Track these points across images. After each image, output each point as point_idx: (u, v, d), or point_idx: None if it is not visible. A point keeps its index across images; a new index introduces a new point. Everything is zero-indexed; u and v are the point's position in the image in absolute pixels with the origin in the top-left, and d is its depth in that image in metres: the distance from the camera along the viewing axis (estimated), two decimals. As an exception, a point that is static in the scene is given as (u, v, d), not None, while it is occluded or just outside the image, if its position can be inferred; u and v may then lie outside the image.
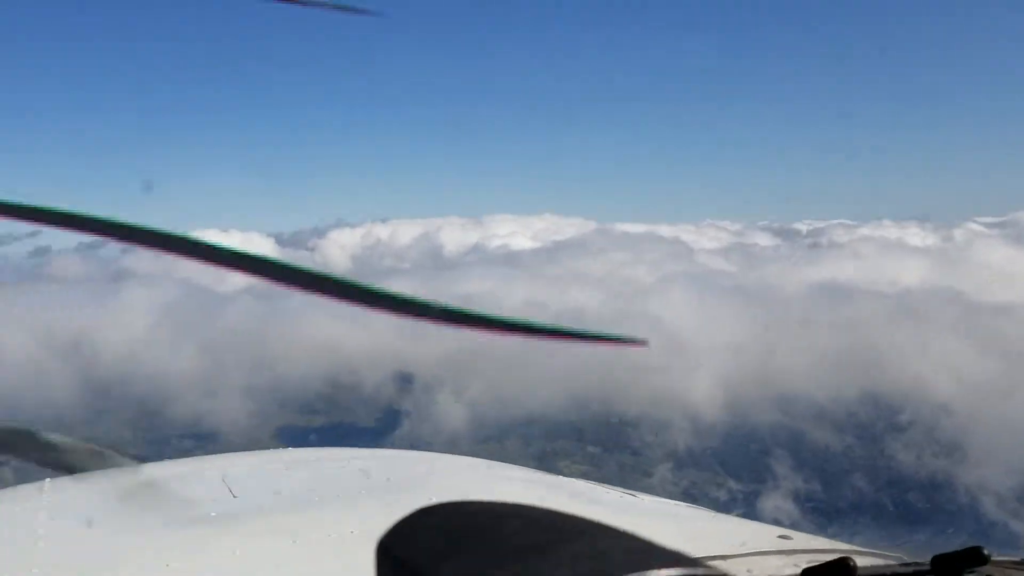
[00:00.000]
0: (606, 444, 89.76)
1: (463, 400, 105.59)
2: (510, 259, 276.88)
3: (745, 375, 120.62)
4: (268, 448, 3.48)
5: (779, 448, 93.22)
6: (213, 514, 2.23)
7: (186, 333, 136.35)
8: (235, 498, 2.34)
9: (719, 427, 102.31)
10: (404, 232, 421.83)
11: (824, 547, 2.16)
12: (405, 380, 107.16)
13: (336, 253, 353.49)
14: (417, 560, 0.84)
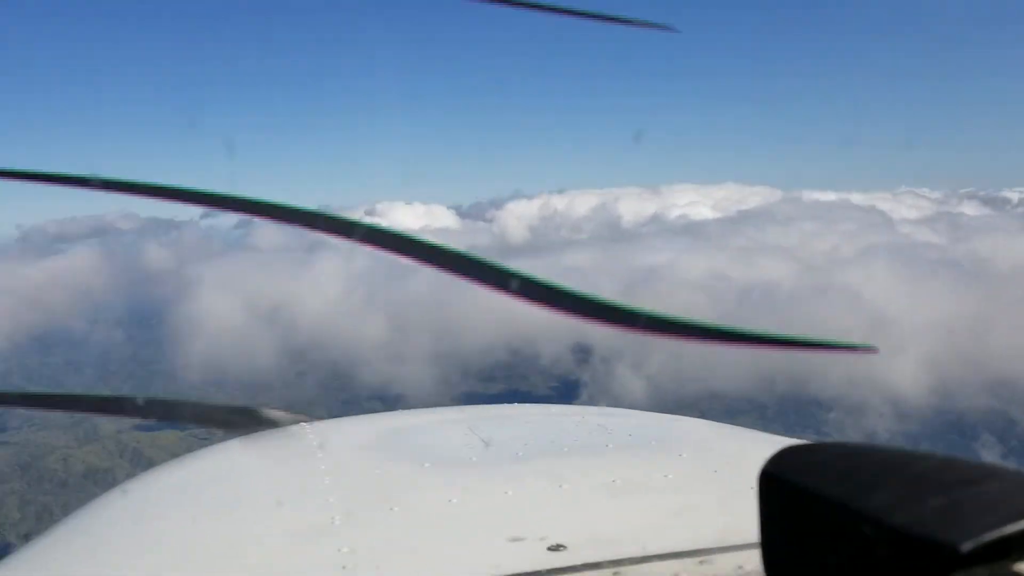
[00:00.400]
0: (791, 424, 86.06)
1: (642, 373, 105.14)
2: (691, 230, 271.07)
3: (954, 357, 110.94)
4: None
5: (988, 434, 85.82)
6: (474, 459, 2.38)
7: (375, 301, 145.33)
8: (488, 447, 2.47)
9: (922, 411, 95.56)
10: (581, 203, 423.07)
11: None
12: (583, 352, 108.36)
13: (513, 224, 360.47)
14: (831, 489, 0.84)
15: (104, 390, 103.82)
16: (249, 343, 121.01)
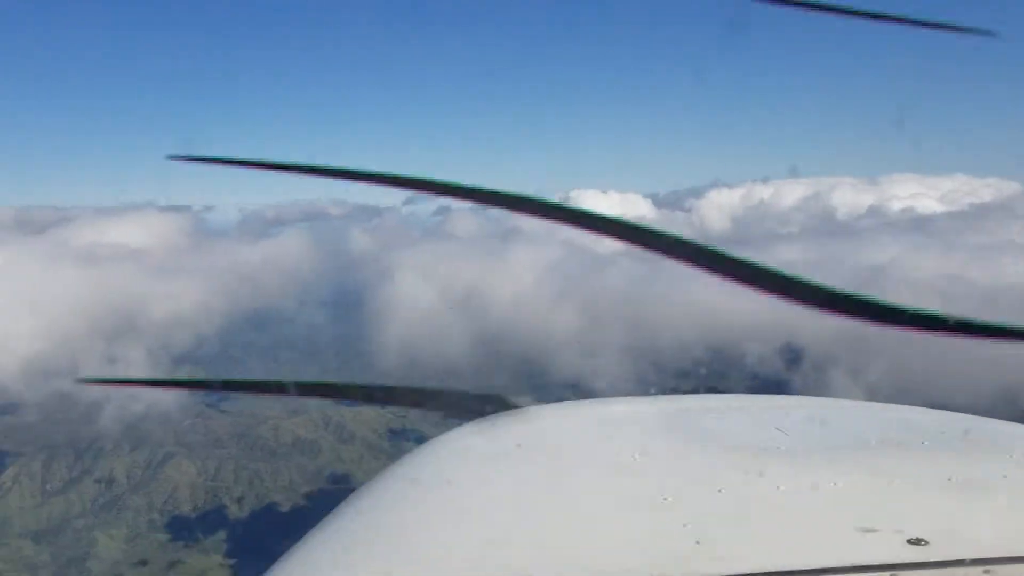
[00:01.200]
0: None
1: (860, 382, 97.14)
2: (917, 224, 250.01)
3: None
4: None
5: None
6: (781, 448, 2.32)
7: (569, 292, 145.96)
8: (787, 436, 2.40)
9: None
10: (788, 192, 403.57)
11: None
12: (794, 354, 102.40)
13: (714, 214, 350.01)
14: None
15: (311, 368, 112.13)
16: (443, 330, 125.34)
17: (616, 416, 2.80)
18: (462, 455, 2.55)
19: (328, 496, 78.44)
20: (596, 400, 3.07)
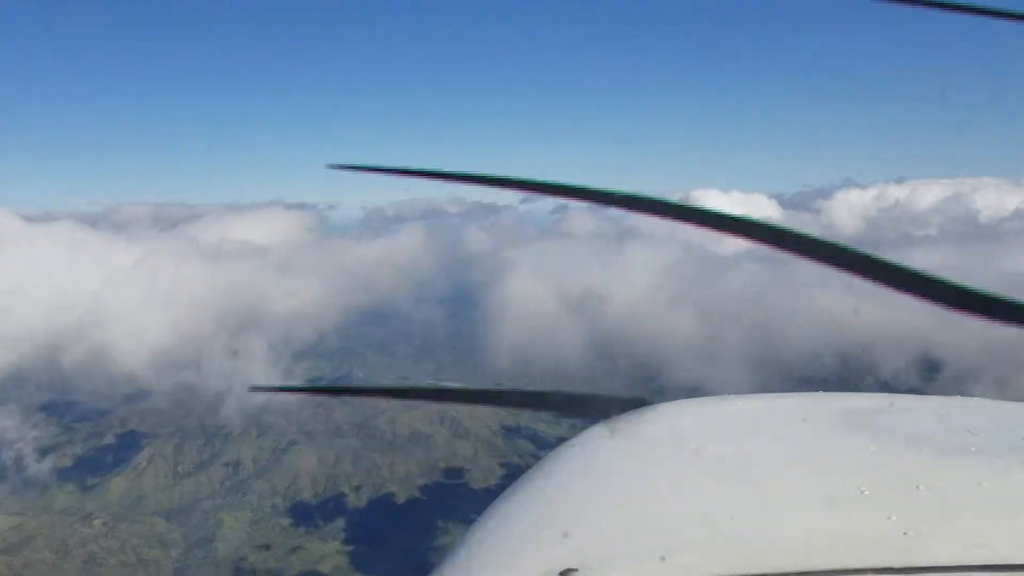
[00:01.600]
0: None
1: (1006, 396, 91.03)
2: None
3: None
4: None
5: None
6: (973, 449, 2.24)
7: (687, 295, 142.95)
8: (975, 435, 2.34)
9: None
10: (926, 193, 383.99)
11: None
12: (931, 366, 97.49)
13: (844, 216, 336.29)
14: None
15: (426, 364, 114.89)
16: (557, 331, 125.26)
17: (773, 411, 2.76)
18: (619, 450, 2.47)
19: (443, 489, 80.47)
20: (738, 396, 3.01)
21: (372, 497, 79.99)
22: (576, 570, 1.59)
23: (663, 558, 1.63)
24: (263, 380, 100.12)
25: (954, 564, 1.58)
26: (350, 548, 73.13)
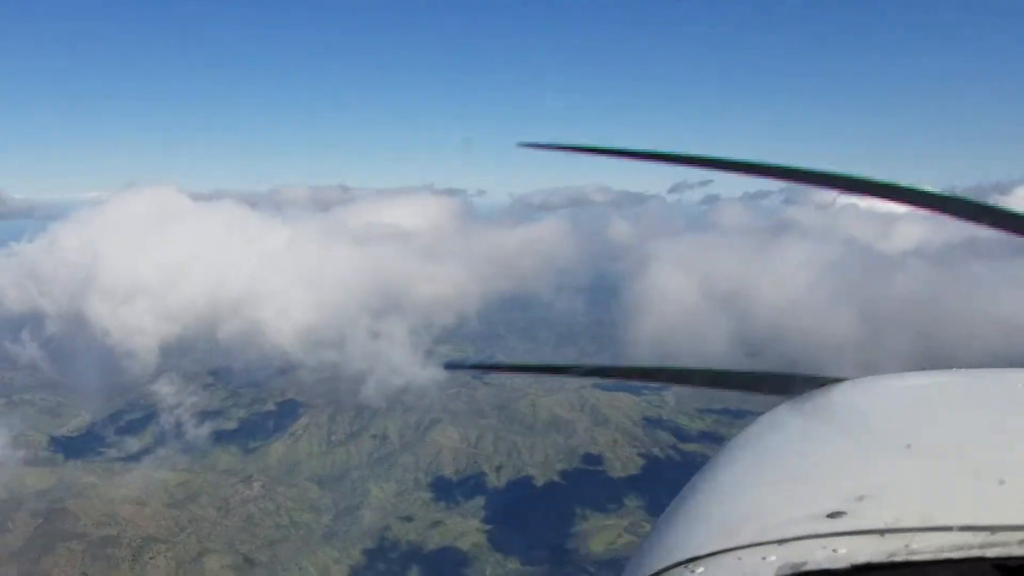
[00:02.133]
0: None
1: None
2: None
3: None
4: None
5: None
6: None
7: (846, 295, 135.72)
8: None
9: None
10: None
11: None
12: None
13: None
14: None
15: (568, 351, 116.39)
16: (700, 327, 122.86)
17: (975, 385, 2.60)
18: (819, 421, 2.43)
19: (582, 476, 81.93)
20: (933, 371, 2.86)
21: (512, 478, 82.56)
22: (846, 512, 1.63)
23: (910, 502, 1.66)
24: (404, 363, 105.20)
25: None
26: (489, 527, 75.82)
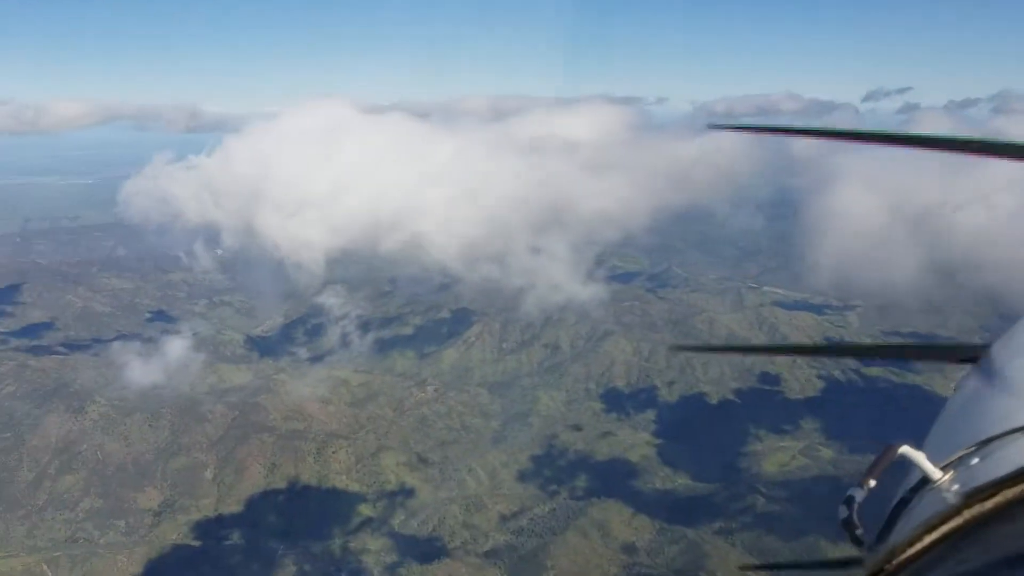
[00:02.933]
0: None
1: None
2: None
3: None
4: None
5: None
6: None
7: None
8: None
9: None
10: None
11: None
12: None
13: None
14: None
15: (747, 268, 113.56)
16: (888, 250, 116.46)
17: None
18: None
19: (757, 395, 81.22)
20: None
21: (684, 394, 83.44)
22: None
23: None
24: (567, 279, 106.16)
25: None
26: (659, 441, 77.24)
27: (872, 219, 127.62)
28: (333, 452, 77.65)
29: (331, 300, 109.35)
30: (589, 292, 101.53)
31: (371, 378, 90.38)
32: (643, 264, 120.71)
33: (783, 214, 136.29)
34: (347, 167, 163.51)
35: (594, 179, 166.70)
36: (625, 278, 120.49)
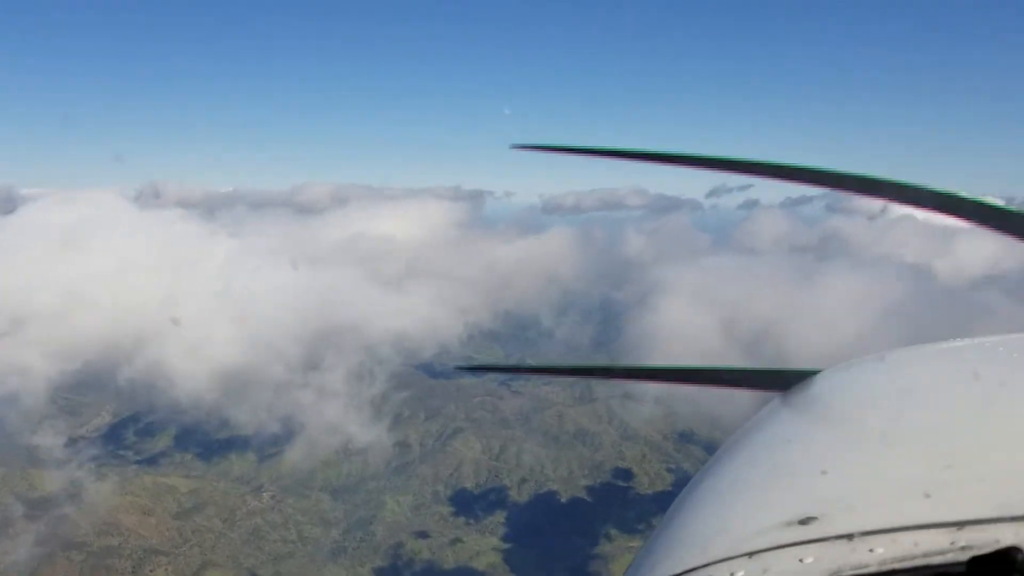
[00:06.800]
0: None
1: None
2: None
3: None
4: None
5: None
6: None
7: (907, 336, 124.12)
8: None
9: None
10: None
11: None
12: None
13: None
14: None
15: (595, 362, 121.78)
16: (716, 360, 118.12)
17: (955, 359, 2.91)
18: (822, 404, 2.68)
19: (609, 492, 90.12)
20: (922, 346, 3.06)
21: (535, 492, 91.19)
22: (816, 517, 1.78)
23: (915, 497, 1.77)
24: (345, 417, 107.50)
25: None
26: (507, 546, 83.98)
27: (703, 338, 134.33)
28: (151, 570, 79.88)
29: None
30: (374, 434, 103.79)
31: (202, 484, 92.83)
32: (498, 356, 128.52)
33: (610, 327, 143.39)
34: (91, 274, 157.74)
35: (404, 287, 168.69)
36: (478, 371, 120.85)
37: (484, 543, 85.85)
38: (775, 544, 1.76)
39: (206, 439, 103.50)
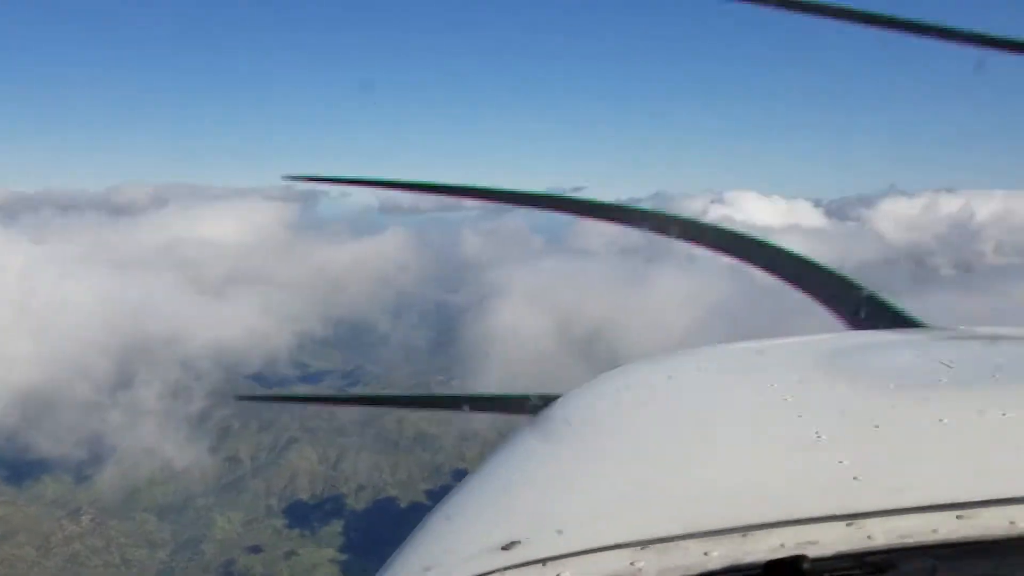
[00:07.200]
0: None
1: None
2: None
3: None
4: None
5: None
6: (944, 380, 2.60)
7: (730, 336, 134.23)
8: (950, 368, 2.70)
9: None
10: (981, 206, 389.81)
11: None
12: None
13: (887, 227, 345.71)
14: None
15: (439, 365, 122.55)
16: (557, 372, 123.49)
17: (753, 357, 3.07)
18: (587, 412, 2.76)
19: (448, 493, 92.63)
20: (723, 345, 3.32)
21: (373, 499, 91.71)
22: (519, 542, 1.80)
23: (601, 521, 1.84)
24: (161, 430, 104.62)
25: (901, 507, 1.74)
26: (345, 557, 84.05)
27: (538, 339, 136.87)
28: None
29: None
30: (194, 453, 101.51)
31: (12, 510, 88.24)
32: (336, 361, 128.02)
33: (448, 332, 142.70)
34: None
35: (225, 295, 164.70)
36: (316, 378, 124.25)
37: (320, 555, 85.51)
38: (480, 571, 1.77)
39: (13, 461, 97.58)
